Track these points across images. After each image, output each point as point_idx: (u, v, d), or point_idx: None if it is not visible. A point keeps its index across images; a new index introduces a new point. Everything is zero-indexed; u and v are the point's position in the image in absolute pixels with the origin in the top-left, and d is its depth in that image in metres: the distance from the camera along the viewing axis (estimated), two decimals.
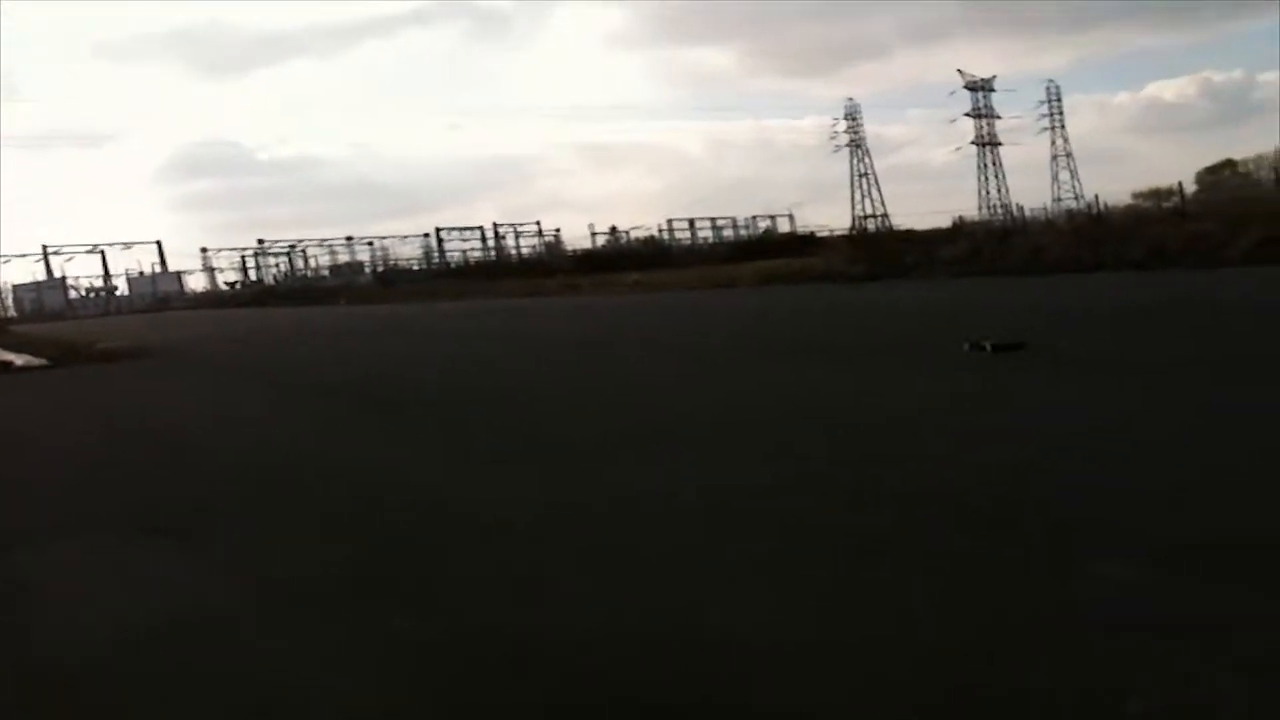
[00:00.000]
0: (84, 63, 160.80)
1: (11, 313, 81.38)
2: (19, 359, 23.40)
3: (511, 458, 7.19)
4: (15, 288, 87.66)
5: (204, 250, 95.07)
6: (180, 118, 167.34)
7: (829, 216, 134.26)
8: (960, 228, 45.88)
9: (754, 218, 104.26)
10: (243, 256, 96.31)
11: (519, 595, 4.22)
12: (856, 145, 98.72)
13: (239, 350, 22.51)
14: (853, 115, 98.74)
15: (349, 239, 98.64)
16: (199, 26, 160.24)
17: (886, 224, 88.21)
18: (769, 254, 52.50)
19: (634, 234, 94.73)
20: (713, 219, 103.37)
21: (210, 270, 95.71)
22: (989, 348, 10.36)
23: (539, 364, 14.07)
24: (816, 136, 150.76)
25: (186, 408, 12.49)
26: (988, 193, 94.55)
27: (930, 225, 55.78)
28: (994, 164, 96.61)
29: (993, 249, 28.25)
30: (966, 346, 10.57)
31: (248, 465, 7.89)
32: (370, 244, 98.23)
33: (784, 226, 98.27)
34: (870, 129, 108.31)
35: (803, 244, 64.09)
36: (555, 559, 4.70)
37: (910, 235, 49.25)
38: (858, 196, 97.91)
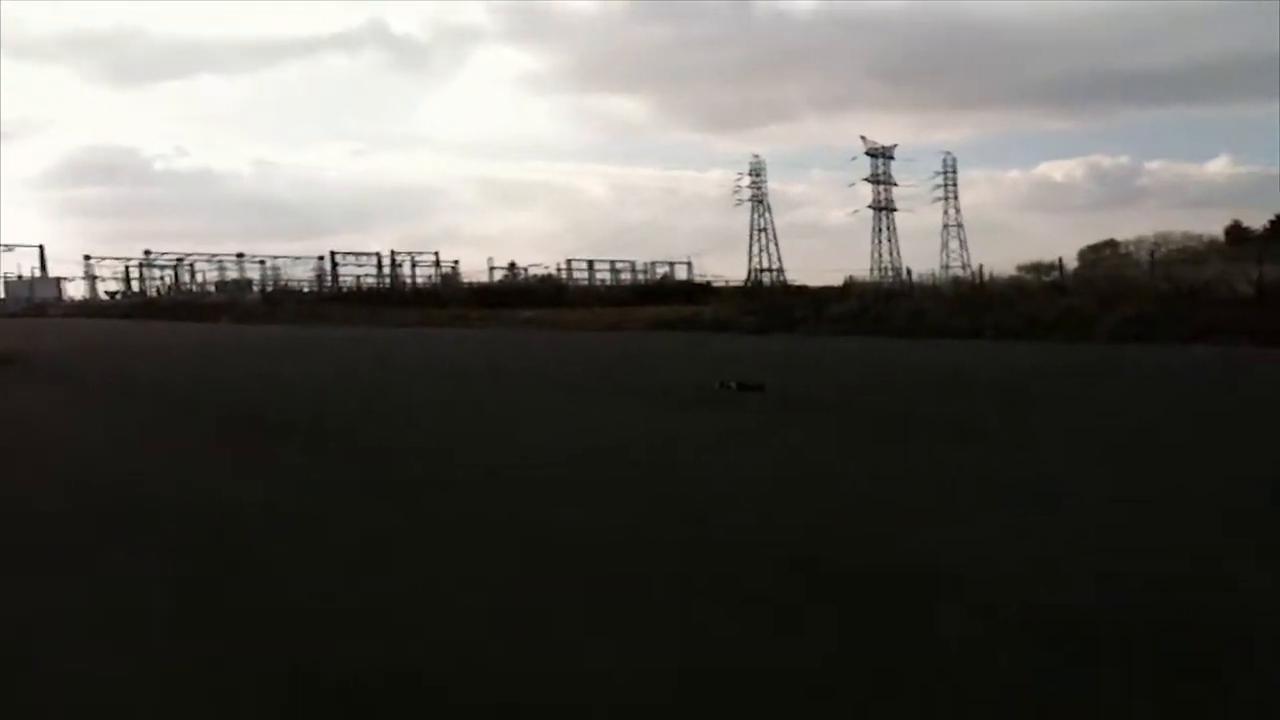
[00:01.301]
0: None
1: None
2: None
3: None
4: None
5: (87, 258, 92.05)
6: (78, 122, 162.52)
7: (727, 267, 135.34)
8: (851, 287, 46.66)
9: (653, 263, 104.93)
10: (126, 266, 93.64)
11: None
12: (759, 200, 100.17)
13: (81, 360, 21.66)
14: (757, 171, 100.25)
15: (240, 255, 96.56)
16: (112, 31, 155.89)
17: (781, 278, 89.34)
18: (665, 299, 52.76)
19: (533, 271, 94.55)
20: (612, 262, 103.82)
21: (92, 278, 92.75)
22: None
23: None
24: (720, 189, 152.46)
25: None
26: (880, 255, 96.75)
27: (823, 283, 56.49)
28: (888, 228, 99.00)
29: (879, 309, 28.78)
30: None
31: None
32: (262, 262, 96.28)
33: (682, 274, 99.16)
34: (773, 185, 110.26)
35: (699, 292, 64.61)
36: None
37: (803, 290, 50.08)
38: (756, 250, 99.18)
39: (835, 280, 61.77)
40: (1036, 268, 41.41)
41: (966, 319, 23.96)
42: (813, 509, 6.11)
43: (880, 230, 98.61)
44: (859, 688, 3.34)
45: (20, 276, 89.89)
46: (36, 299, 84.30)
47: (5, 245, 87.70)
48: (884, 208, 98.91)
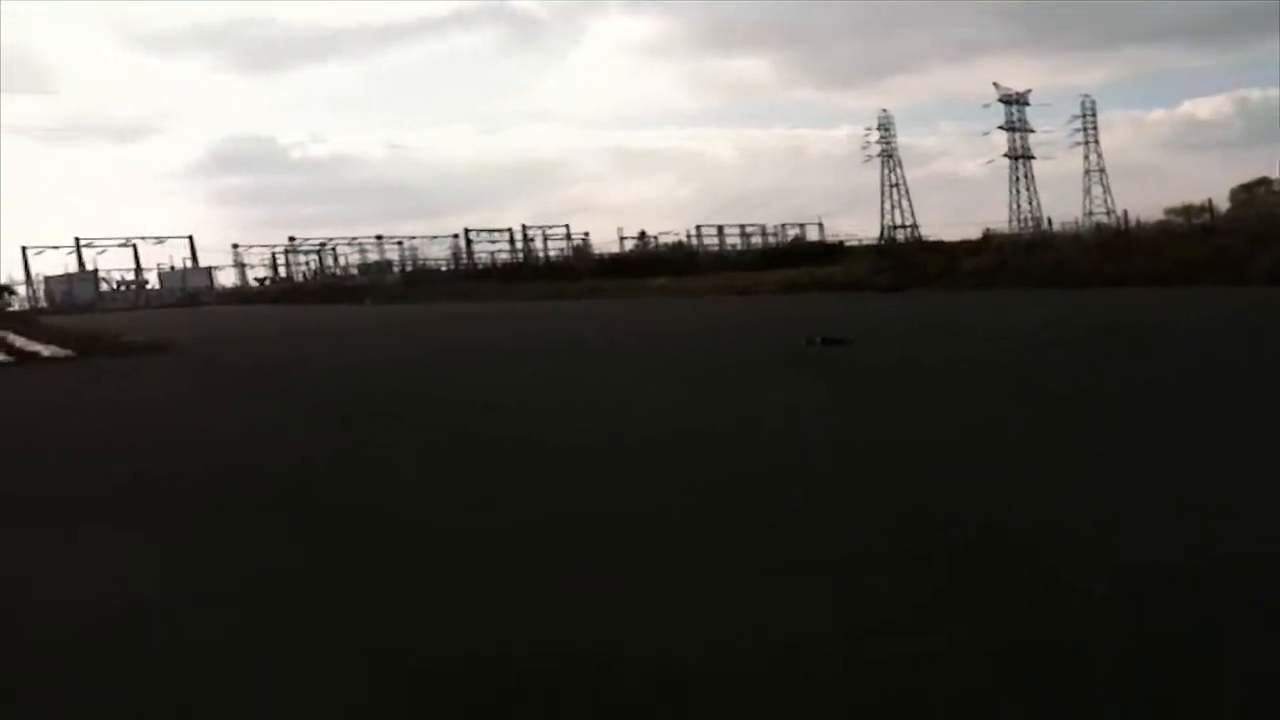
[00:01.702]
0: (122, 54, 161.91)
1: (42, 303, 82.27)
2: (46, 349, 23.68)
3: None
4: (47, 279, 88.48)
5: (235, 246, 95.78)
6: (216, 113, 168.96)
7: (859, 226, 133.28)
8: (988, 239, 45.50)
9: (783, 225, 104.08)
10: (273, 253, 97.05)
11: None
12: (888, 156, 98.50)
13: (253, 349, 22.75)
14: (885, 126, 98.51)
15: (379, 238, 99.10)
16: (240, 21, 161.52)
17: (915, 234, 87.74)
18: (796, 262, 52.36)
19: (663, 239, 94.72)
20: (742, 226, 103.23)
21: (240, 266, 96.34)
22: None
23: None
24: (849, 147, 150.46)
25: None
26: (1019, 206, 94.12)
27: (960, 237, 55.34)
28: (1026, 177, 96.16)
29: (1018, 261, 28.07)
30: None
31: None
32: (400, 243, 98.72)
33: (813, 235, 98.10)
34: (903, 140, 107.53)
35: (830, 252, 63.93)
36: None
37: (938, 246, 49.00)
38: (888, 207, 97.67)
39: (973, 234, 60.40)
40: (1186, 210, 39.74)
41: (1111, 266, 23.20)
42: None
43: (1017, 179, 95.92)
44: None
45: (173, 267, 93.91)
46: (190, 288, 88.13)
47: (157, 237, 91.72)
48: (1021, 156, 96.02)
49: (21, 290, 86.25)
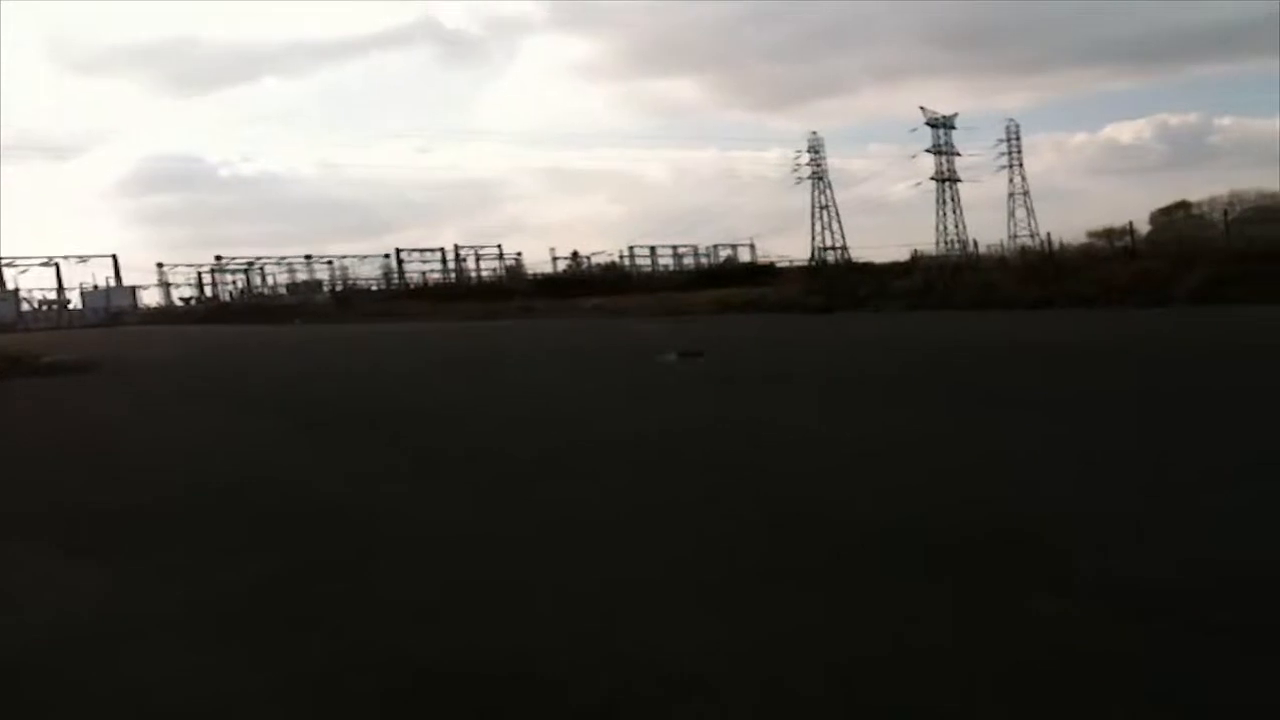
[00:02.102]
0: (50, 74, 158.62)
1: None
2: None
3: None
4: None
5: (160, 265, 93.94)
6: (145, 133, 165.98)
7: (789, 247, 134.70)
8: (916, 262, 46.13)
9: (715, 246, 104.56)
10: (199, 273, 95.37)
11: None
12: (818, 178, 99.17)
13: (176, 367, 22.18)
14: (815, 148, 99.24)
15: (308, 257, 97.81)
16: (169, 41, 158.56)
17: (845, 256, 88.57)
18: (728, 282, 52.61)
19: (595, 259, 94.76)
20: (674, 246, 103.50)
21: (165, 285, 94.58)
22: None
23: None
24: (780, 168, 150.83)
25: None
26: (946, 228, 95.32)
27: (889, 259, 56.09)
28: (953, 200, 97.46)
29: (945, 283, 28.42)
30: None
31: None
32: (329, 263, 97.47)
33: (745, 256, 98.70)
34: (833, 162, 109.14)
35: (762, 273, 64.36)
36: None
37: (868, 267, 49.59)
38: (818, 228, 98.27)
39: (901, 255, 61.23)
40: (1108, 233, 40.55)
41: (1037, 288, 23.56)
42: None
43: (944, 202, 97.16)
44: None
45: (96, 286, 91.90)
46: (113, 307, 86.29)
47: (80, 256, 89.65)
48: (947, 179, 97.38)
49: None
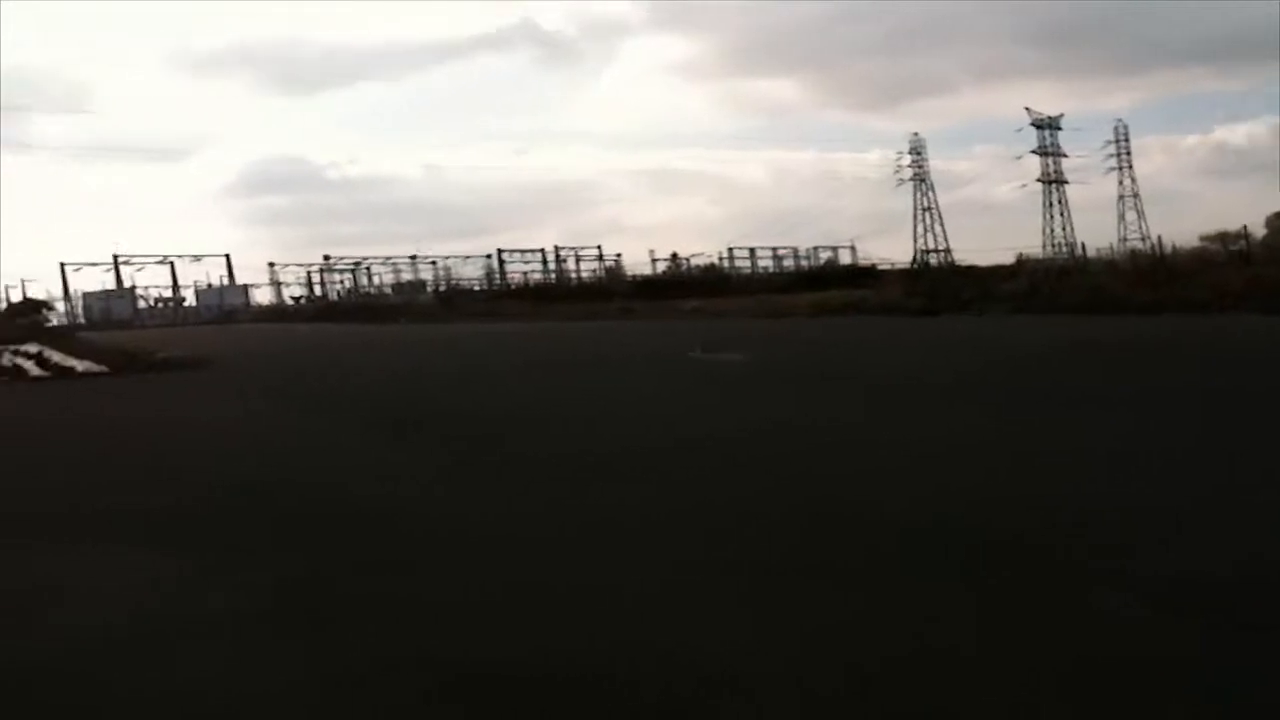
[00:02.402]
0: (159, 75, 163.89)
1: (80, 319, 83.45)
2: (80, 365, 24.00)
3: None
4: (85, 295, 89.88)
5: (271, 265, 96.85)
6: (253, 133, 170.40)
7: (891, 249, 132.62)
8: (1022, 265, 45.22)
9: (815, 248, 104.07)
10: (308, 272, 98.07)
11: None
12: (920, 179, 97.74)
13: (284, 366, 22.90)
14: (917, 149, 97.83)
15: (413, 257, 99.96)
16: (275, 43, 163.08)
17: (948, 259, 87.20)
18: (828, 285, 52.26)
19: (695, 261, 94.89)
20: (774, 248, 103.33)
21: (276, 284, 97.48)
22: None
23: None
24: (881, 170, 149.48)
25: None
26: (1052, 231, 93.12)
27: (993, 261, 55.11)
28: (1060, 202, 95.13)
29: (1051, 287, 27.89)
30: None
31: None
32: (434, 263, 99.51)
33: (845, 258, 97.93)
34: (935, 163, 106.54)
35: (862, 276, 63.76)
36: None
37: (971, 270, 48.82)
38: (920, 230, 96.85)
39: (1006, 258, 60.13)
40: (1221, 237, 39.30)
41: (1147, 293, 22.99)
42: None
43: (1051, 204, 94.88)
44: None
45: (210, 285, 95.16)
46: (226, 306, 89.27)
47: (194, 255, 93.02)
48: (1054, 181, 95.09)
49: (60, 306, 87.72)
